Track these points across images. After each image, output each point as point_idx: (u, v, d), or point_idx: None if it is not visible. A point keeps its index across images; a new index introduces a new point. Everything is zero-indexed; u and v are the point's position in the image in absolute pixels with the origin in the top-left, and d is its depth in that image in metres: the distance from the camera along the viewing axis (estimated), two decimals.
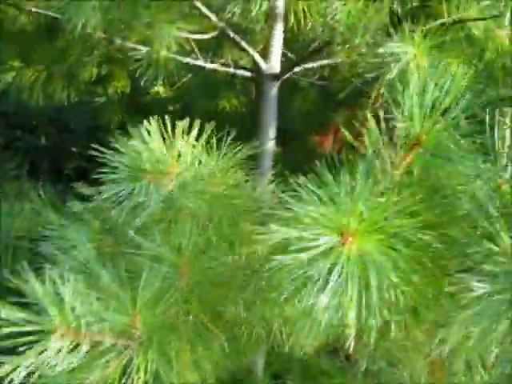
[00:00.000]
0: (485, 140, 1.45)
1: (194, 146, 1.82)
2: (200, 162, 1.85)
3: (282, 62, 3.55)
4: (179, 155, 1.73)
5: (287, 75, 3.59)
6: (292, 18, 2.37)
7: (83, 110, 4.32)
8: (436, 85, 1.48)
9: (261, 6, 2.17)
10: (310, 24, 2.51)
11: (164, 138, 1.76)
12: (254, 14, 2.21)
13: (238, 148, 1.98)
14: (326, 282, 1.26)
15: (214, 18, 3.09)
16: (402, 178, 1.43)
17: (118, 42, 2.95)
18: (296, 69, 3.56)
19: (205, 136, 1.87)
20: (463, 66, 2.55)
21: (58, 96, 3.25)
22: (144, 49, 2.78)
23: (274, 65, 3.52)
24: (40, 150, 6.55)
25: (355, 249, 1.20)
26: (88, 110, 4.32)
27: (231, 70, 3.45)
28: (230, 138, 1.94)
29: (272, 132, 3.58)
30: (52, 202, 3.45)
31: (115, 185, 1.58)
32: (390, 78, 2.13)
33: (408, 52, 2.17)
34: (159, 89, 3.79)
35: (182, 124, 1.77)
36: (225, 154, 1.94)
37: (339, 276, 1.23)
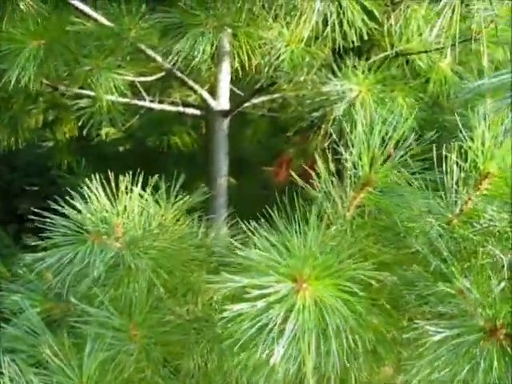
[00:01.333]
0: (433, 176, 1.45)
1: (141, 197, 1.78)
2: (148, 214, 1.83)
3: (230, 97, 3.55)
4: (125, 211, 1.70)
5: (236, 111, 3.59)
6: (236, 60, 2.35)
7: (33, 152, 4.24)
8: (384, 122, 1.47)
9: (204, 52, 2.15)
10: (254, 64, 2.50)
11: (108, 195, 1.73)
12: (197, 60, 2.19)
13: (188, 196, 1.96)
14: (282, 330, 1.24)
15: (159, 59, 3.07)
16: (354, 219, 1.42)
17: (62, 88, 2.91)
18: (245, 104, 3.56)
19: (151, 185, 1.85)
20: (408, 98, 2.59)
21: (4, 143, 3.18)
22: (87, 96, 2.75)
23: (222, 101, 3.52)
24: None
25: (310, 295, 1.18)
26: (38, 152, 4.25)
27: (180, 108, 3.44)
28: (180, 181, 1.91)
29: (224, 168, 3.57)
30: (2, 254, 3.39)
31: (58, 249, 1.54)
32: (336, 115, 2.13)
33: (352, 89, 2.18)
34: (109, 130, 3.75)
35: (125, 179, 1.73)
36: (174, 203, 1.91)
37: (295, 324, 1.21)
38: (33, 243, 3.20)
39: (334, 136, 2.19)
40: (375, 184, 1.38)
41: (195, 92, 3.40)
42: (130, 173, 1.71)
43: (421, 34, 2.87)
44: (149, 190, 1.84)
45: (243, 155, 4.48)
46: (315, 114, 2.30)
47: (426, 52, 2.78)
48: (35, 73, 2.27)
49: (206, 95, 3.41)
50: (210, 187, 3.43)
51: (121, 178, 1.75)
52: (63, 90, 2.96)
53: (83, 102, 2.73)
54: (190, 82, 3.30)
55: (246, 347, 1.28)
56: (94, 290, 1.56)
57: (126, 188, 1.69)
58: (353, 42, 2.12)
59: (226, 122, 3.54)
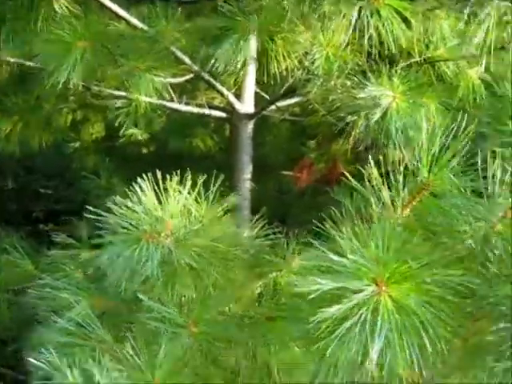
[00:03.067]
0: (478, 181, 1.48)
1: (186, 199, 1.82)
2: (190, 213, 1.86)
3: (255, 100, 3.60)
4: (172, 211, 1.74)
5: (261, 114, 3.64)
6: (270, 61, 2.39)
7: (55, 152, 4.28)
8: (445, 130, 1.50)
9: (246, 57, 2.19)
10: (287, 66, 2.53)
11: (156, 194, 1.77)
12: (239, 64, 2.24)
13: (224, 197, 2.00)
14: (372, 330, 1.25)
15: (188, 61, 3.11)
16: (408, 222, 1.45)
17: (96, 88, 2.95)
18: (270, 107, 3.61)
19: (191, 185, 1.89)
20: (438, 105, 2.63)
21: (34, 143, 3.23)
22: (122, 97, 2.79)
23: (248, 104, 3.56)
24: (7, 192, 6.47)
25: (391, 296, 1.21)
26: (60, 153, 4.29)
27: (206, 111, 3.48)
28: (218, 182, 1.94)
29: (248, 170, 3.61)
30: (28, 252, 3.42)
31: (113, 247, 1.58)
32: (372, 120, 2.17)
33: (387, 95, 2.22)
34: (134, 131, 3.79)
35: (174, 179, 1.77)
36: (212, 203, 1.95)
37: (382, 324, 1.23)
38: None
39: (369, 140, 2.25)
40: (432, 188, 1.42)
41: (222, 95, 3.45)
42: (178, 173, 1.75)
43: (446, 43, 2.92)
44: (191, 190, 1.88)
45: (262, 158, 4.52)
46: (350, 118, 2.33)
47: (452, 60, 2.82)
48: (82, 74, 2.31)
49: (232, 98, 3.46)
50: (234, 189, 3.47)
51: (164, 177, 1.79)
52: (95, 90, 3.00)
53: (119, 103, 2.77)
54: (218, 85, 3.35)
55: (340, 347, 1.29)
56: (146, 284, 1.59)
57: (165, 188, 1.72)
58: (389, 49, 2.16)
59: (250, 125, 3.58)
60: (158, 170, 1.82)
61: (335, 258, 1.22)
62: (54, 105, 3.12)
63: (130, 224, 1.61)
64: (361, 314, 1.19)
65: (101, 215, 1.62)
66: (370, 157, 1.66)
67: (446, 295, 1.20)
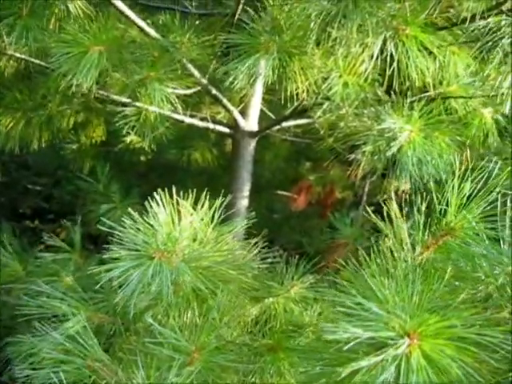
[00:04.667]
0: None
1: (202, 219, 1.78)
2: (196, 234, 1.82)
3: (258, 118, 3.56)
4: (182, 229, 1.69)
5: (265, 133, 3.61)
6: (286, 81, 2.35)
7: (50, 152, 4.22)
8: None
9: (267, 76, 2.16)
10: (299, 87, 2.49)
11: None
12: (258, 81, 2.20)
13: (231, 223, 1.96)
14: None
15: (198, 74, 3.08)
16: (428, 265, 1.41)
17: (102, 93, 2.90)
18: (275, 127, 3.58)
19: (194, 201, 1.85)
20: (449, 141, 2.60)
21: (34, 142, 3.17)
22: (129, 103, 2.75)
23: (252, 122, 3.53)
24: None
25: (423, 350, 1.16)
26: (56, 153, 4.22)
27: (210, 125, 3.44)
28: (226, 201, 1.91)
29: (247, 188, 3.57)
30: (17, 251, 3.34)
31: (124, 261, 1.52)
32: (389, 152, 2.15)
33: (406, 128, 2.19)
34: (133, 138, 3.74)
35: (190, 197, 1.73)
36: (218, 224, 1.91)
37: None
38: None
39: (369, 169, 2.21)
40: (457, 233, 1.38)
41: (227, 110, 3.41)
42: (193, 191, 1.71)
43: (458, 81, 2.91)
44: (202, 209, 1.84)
45: (258, 176, 4.48)
46: (364, 147, 2.30)
47: (468, 97, 2.80)
48: (96, 78, 2.26)
49: (237, 114, 3.42)
50: (231, 206, 3.43)
51: (178, 193, 1.74)
52: (101, 94, 2.94)
53: (127, 111, 2.72)
54: (224, 101, 3.31)
55: None
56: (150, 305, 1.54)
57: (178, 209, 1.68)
58: (409, 82, 2.14)
59: (253, 143, 3.55)
60: (152, 179, 1.78)
61: (368, 304, 1.17)
62: (57, 105, 3.06)
63: (143, 240, 1.56)
64: (392, 368, 1.14)
65: (112, 227, 1.56)
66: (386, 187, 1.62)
67: (480, 354, 1.15)
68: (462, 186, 1.37)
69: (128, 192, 3.68)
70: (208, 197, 1.87)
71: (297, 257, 2.28)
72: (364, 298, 1.18)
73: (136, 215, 1.56)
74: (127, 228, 1.55)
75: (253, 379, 1.72)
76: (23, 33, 2.45)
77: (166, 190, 1.71)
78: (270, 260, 2.17)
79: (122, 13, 2.69)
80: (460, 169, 1.37)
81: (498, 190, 1.37)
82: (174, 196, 1.69)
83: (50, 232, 3.27)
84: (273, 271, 2.22)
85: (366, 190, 4.54)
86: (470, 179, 1.36)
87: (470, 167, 1.45)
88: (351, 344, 1.12)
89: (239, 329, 1.91)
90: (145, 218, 1.57)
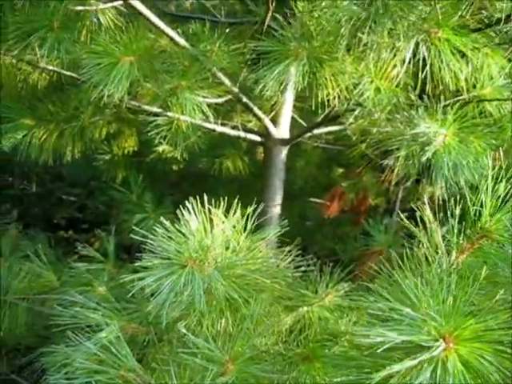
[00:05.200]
0: None
1: (234, 227, 1.77)
2: (228, 241, 1.81)
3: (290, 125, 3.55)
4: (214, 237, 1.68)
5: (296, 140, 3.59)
6: (317, 88, 2.33)
7: (83, 163, 4.25)
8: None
9: (297, 82, 2.14)
10: (330, 94, 2.47)
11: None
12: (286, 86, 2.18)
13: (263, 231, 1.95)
14: None
15: (228, 83, 3.07)
16: (463, 270, 1.38)
17: (134, 103, 2.91)
18: (307, 134, 3.56)
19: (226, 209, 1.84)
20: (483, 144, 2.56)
21: (67, 153, 3.19)
22: (163, 114, 2.75)
23: (283, 130, 3.52)
24: (31, 197, 6.47)
25: (460, 355, 1.13)
26: (89, 164, 4.26)
27: (242, 133, 3.43)
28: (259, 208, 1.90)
29: (279, 196, 3.56)
30: (51, 261, 3.37)
31: (157, 270, 1.51)
32: (424, 157, 2.11)
33: (440, 133, 2.16)
34: (165, 148, 3.76)
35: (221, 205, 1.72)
36: (250, 232, 1.90)
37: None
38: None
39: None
40: (492, 235, 1.35)
41: (258, 118, 3.40)
42: (225, 199, 1.70)
43: (493, 83, 2.86)
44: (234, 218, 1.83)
45: (290, 184, 4.46)
46: (397, 153, 2.27)
47: (503, 100, 2.75)
48: (127, 89, 2.27)
49: (268, 122, 3.41)
50: (263, 214, 3.42)
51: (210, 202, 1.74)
52: (132, 105, 2.96)
53: (159, 120, 2.72)
54: (255, 109, 3.30)
55: None
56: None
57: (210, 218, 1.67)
58: (443, 84, 2.10)
59: (284, 151, 3.54)
60: (185, 188, 1.77)
61: (403, 308, 1.14)
62: (90, 116, 3.08)
63: (175, 249, 1.55)
64: (428, 373, 1.11)
65: (145, 236, 1.55)
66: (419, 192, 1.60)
67: None
68: (497, 187, 1.34)
69: (161, 201, 3.69)
70: (240, 205, 1.87)
71: (331, 265, 2.25)
72: (398, 303, 1.16)
73: (168, 224, 1.55)
74: (159, 236, 1.54)
75: None
76: (55, 45, 2.48)
77: (198, 198, 1.71)
78: (303, 268, 2.15)
79: (152, 23, 2.70)
80: (493, 169, 1.34)
81: None
82: (206, 204, 1.68)
83: (84, 242, 3.29)
84: (306, 279, 2.19)
85: (400, 196, 4.49)
86: (504, 180, 1.33)
87: (504, 168, 1.42)
88: (385, 347, 1.10)
89: (273, 338, 1.89)
90: (177, 226, 1.56)
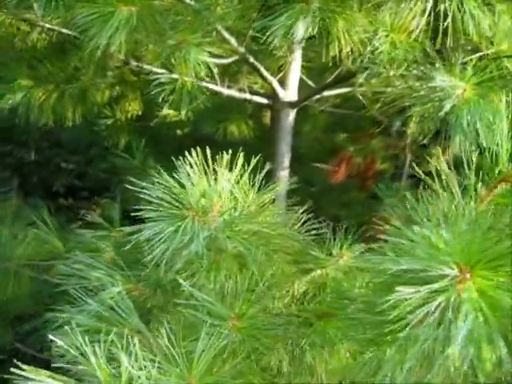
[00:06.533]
0: None
1: (237, 182, 1.69)
2: (236, 198, 1.73)
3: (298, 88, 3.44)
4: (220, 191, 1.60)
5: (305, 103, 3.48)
6: (330, 42, 2.22)
7: (83, 128, 4.14)
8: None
9: (305, 32, 2.03)
10: (342, 51, 2.35)
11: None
12: (298, 39, 2.07)
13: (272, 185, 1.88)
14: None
15: (234, 42, 2.96)
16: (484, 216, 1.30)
17: (134, 63, 2.80)
18: (316, 96, 3.45)
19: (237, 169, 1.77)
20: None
21: (68, 116, 3.09)
22: (166, 73, 2.64)
23: (291, 92, 3.40)
24: (30, 165, 6.38)
25: (476, 285, 1.06)
26: (89, 129, 4.15)
27: (248, 96, 3.33)
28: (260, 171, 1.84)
29: (287, 160, 3.46)
30: (56, 228, 3.29)
31: (155, 223, 1.42)
32: (443, 111, 2.01)
33: (458, 86, 2.05)
34: (169, 112, 3.64)
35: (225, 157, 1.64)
36: (258, 190, 1.83)
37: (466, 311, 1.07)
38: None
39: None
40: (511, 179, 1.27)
41: (265, 80, 3.29)
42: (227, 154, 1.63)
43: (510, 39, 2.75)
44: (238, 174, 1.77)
45: (296, 148, 4.37)
46: (413, 110, 2.16)
47: None
48: (125, 42, 2.15)
49: (275, 84, 3.30)
50: (271, 178, 3.33)
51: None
52: (135, 66, 2.85)
53: (163, 78, 2.61)
54: (262, 69, 3.19)
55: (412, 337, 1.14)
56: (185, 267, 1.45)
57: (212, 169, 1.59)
58: (465, 36, 2.00)
59: (292, 113, 3.43)
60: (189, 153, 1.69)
61: (416, 229, 1.07)
62: (91, 77, 2.97)
63: (175, 200, 1.47)
64: (440, 301, 1.04)
65: (144, 188, 1.47)
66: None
67: None
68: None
69: (165, 167, 3.59)
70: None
71: (344, 227, 2.18)
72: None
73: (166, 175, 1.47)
74: (157, 186, 1.46)
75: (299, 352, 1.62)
76: (52, 2, 2.35)
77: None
78: (314, 232, 2.08)
79: None
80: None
81: None
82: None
83: (85, 210, 3.21)
84: (320, 242, 2.12)
85: (408, 160, 4.40)
86: None
87: None
88: (397, 268, 1.03)
89: (287, 300, 1.82)
90: (176, 176, 1.48)
